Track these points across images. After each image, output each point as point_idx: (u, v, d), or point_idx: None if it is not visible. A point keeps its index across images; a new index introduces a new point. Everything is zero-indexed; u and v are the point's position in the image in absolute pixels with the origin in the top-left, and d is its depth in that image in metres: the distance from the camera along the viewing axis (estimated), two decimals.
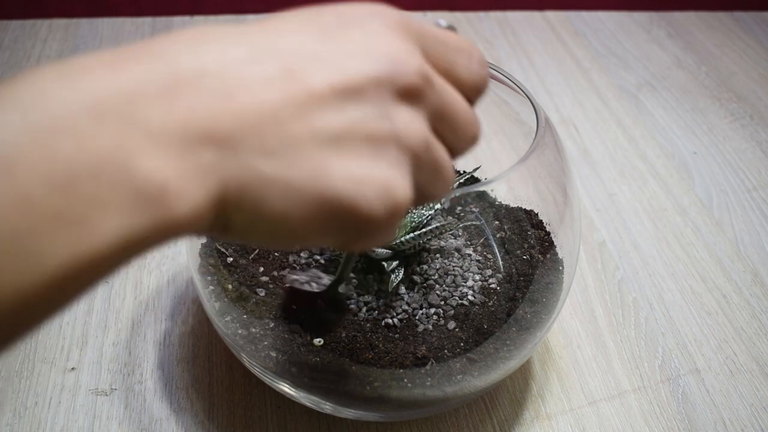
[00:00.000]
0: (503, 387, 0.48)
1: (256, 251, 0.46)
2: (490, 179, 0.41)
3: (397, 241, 0.44)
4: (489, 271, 0.45)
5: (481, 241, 0.47)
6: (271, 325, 0.42)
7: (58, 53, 0.78)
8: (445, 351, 0.42)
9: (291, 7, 0.26)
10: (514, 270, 0.46)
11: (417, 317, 0.43)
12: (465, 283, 0.45)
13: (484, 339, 0.42)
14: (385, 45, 0.24)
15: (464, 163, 0.57)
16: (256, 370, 0.43)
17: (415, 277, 0.44)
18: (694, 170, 0.67)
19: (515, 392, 0.47)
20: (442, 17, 0.89)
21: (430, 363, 0.41)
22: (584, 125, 0.72)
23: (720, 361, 0.50)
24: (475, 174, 0.50)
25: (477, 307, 0.44)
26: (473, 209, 0.48)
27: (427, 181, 0.27)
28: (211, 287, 0.44)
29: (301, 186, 0.22)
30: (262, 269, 0.45)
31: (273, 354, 0.41)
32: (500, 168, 0.41)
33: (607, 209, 0.62)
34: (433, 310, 0.43)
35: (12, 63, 0.76)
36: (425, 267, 0.45)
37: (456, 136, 0.28)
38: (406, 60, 0.24)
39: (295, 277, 0.42)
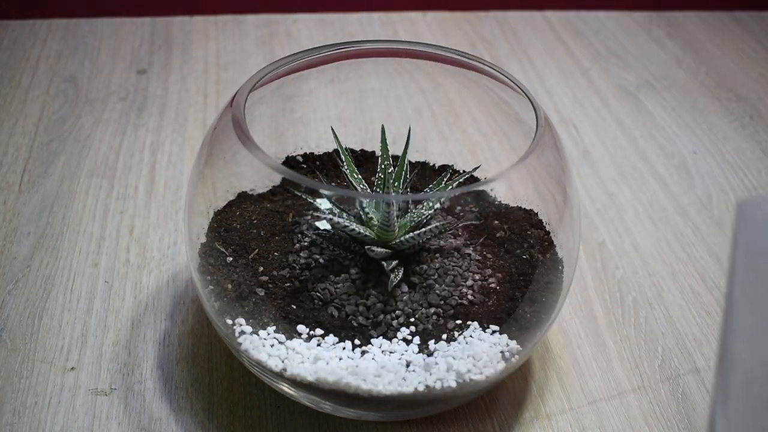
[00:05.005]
0: (503, 387, 0.48)
1: (256, 251, 0.46)
2: (489, 179, 0.41)
3: (397, 241, 0.44)
4: (489, 271, 0.45)
5: (481, 240, 0.47)
6: (271, 324, 0.43)
7: (57, 53, 0.78)
8: None
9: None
10: (513, 269, 0.46)
11: (416, 317, 0.43)
12: (464, 282, 0.45)
13: None
14: None
15: (464, 163, 0.57)
16: (256, 370, 0.43)
17: (414, 277, 0.44)
18: (693, 170, 0.67)
19: (515, 392, 0.47)
20: (442, 17, 0.89)
21: None
22: (584, 125, 0.72)
23: None
24: (475, 174, 0.50)
25: (477, 306, 0.44)
26: (473, 209, 0.48)
27: None
28: (211, 287, 0.44)
29: None
30: (261, 269, 0.45)
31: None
32: (500, 168, 0.41)
33: (607, 209, 0.62)
34: (432, 310, 0.43)
35: (12, 63, 0.76)
36: (425, 266, 0.45)
37: None
38: None
39: None
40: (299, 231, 0.47)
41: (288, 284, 0.44)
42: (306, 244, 0.46)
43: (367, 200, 0.44)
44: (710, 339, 0.52)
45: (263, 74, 0.46)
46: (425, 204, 0.45)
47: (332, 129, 0.49)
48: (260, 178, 0.50)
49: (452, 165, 0.55)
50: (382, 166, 0.47)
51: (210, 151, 0.44)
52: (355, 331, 0.42)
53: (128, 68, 0.76)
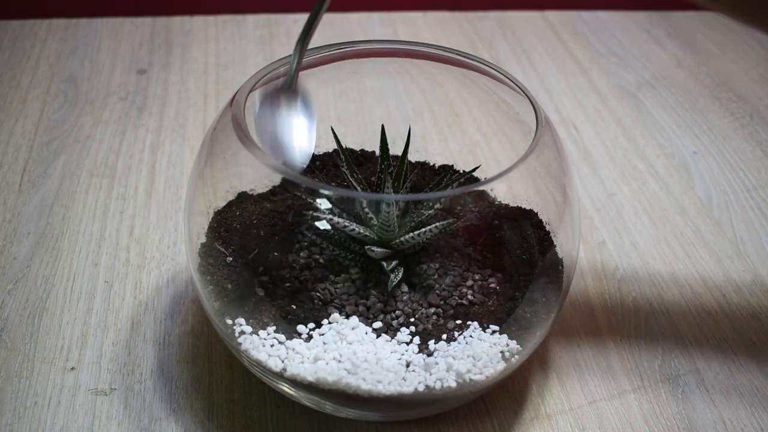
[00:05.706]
0: (503, 387, 0.48)
1: (256, 251, 0.46)
2: (489, 179, 0.41)
3: (397, 241, 0.44)
4: (489, 271, 0.45)
5: (481, 240, 0.47)
6: (271, 324, 0.43)
7: (57, 53, 0.78)
8: None
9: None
10: (513, 269, 0.46)
11: (416, 317, 0.43)
12: (464, 282, 0.45)
13: None
14: None
15: (464, 163, 0.57)
16: (256, 370, 0.43)
17: (414, 278, 0.44)
18: (693, 170, 0.67)
19: (515, 392, 0.47)
20: (442, 17, 0.89)
21: None
22: (584, 125, 0.72)
23: (720, 361, 0.50)
24: (475, 174, 0.50)
25: (476, 306, 0.44)
26: (473, 209, 0.48)
27: None
28: (211, 287, 0.44)
29: None
30: (261, 269, 0.45)
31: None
32: (500, 168, 0.41)
33: (606, 209, 0.62)
34: (432, 310, 0.43)
35: (12, 63, 0.76)
36: (424, 266, 0.45)
37: None
38: None
39: None
40: (299, 231, 0.47)
41: (288, 284, 0.44)
42: (306, 244, 0.46)
43: (367, 200, 0.44)
44: (710, 339, 0.52)
45: (263, 74, 0.46)
46: (425, 204, 0.45)
47: (332, 129, 0.49)
48: (260, 178, 0.50)
49: (452, 165, 0.55)
50: (382, 166, 0.47)
51: (210, 151, 0.44)
52: None
53: (128, 68, 0.76)
